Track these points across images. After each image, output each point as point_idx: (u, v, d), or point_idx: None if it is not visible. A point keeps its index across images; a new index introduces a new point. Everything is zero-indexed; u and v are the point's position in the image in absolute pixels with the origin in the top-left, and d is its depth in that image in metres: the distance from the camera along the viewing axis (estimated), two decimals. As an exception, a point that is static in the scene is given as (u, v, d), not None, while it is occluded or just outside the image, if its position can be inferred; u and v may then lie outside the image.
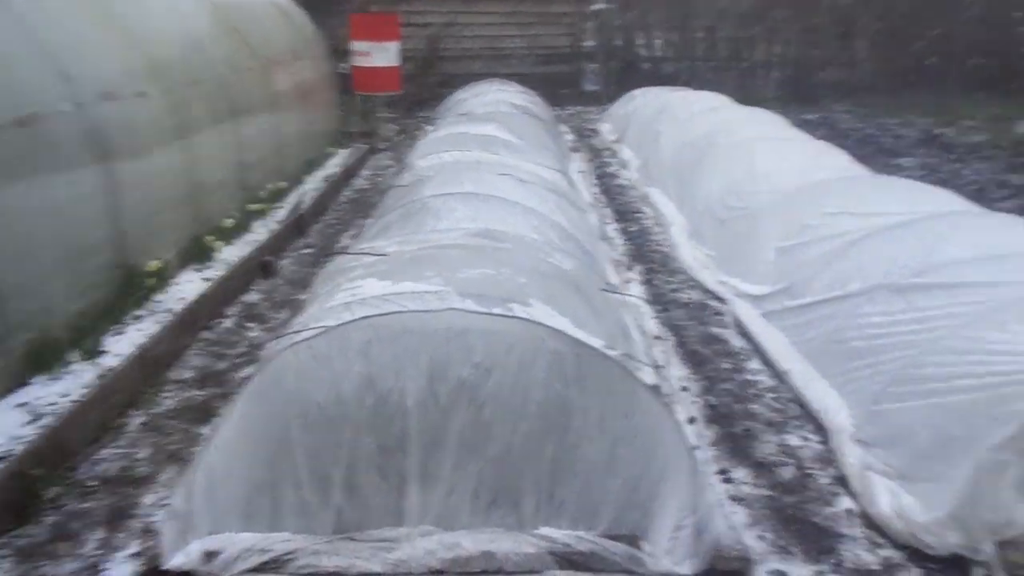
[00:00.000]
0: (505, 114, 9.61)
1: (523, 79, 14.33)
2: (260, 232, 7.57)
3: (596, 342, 3.27)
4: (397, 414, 3.01)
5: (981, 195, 8.86)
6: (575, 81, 16.78)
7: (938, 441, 3.34)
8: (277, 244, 7.19)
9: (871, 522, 3.34)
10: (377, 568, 2.93)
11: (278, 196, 8.57)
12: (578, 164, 10.59)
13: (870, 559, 3.14)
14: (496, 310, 3.18)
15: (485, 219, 4.79)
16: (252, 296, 6.13)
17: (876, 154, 11.07)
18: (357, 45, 11.99)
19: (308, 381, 3.01)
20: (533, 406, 3.03)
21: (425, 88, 15.44)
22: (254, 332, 5.48)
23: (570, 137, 12.71)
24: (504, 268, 3.76)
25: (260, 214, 7.89)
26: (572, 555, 2.96)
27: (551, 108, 13.22)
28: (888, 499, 3.33)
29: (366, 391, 2.99)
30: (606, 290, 4.52)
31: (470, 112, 10.21)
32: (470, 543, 2.95)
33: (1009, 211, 8.05)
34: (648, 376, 4.29)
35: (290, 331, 3.35)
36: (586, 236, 6.01)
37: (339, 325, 3.09)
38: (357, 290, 3.53)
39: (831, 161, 7.16)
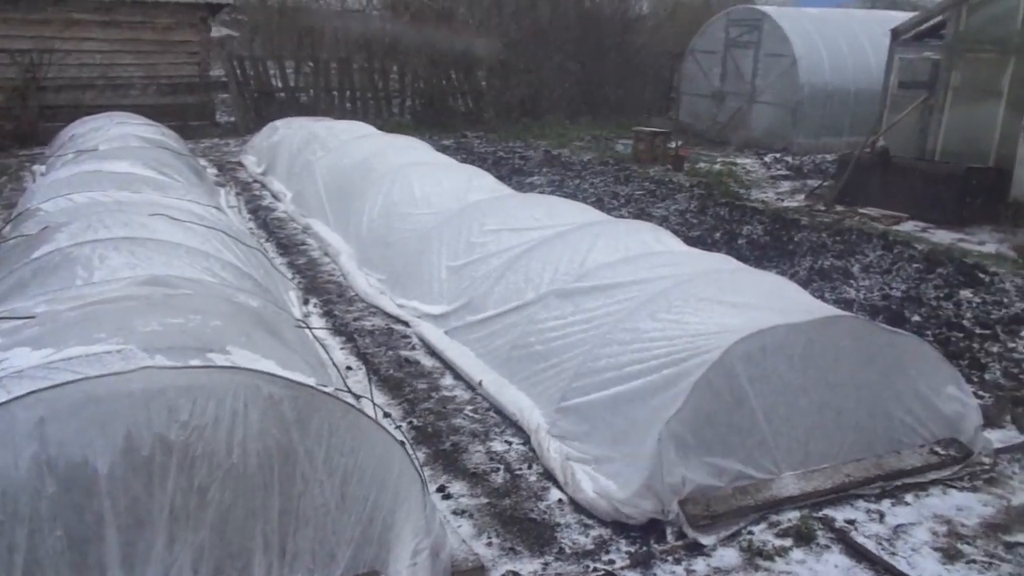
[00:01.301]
0: (138, 149, 8.74)
1: (147, 111, 13.16)
2: None
3: (309, 380, 3.13)
4: (87, 498, 2.58)
5: (600, 204, 10.23)
6: (207, 113, 15.86)
7: (621, 425, 3.77)
8: None
9: (580, 507, 3.66)
10: None
11: None
12: (227, 199, 10.02)
13: (585, 540, 3.44)
14: (194, 362, 2.88)
15: (147, 266, 4.31)
16: None
17: (511, 174, 12.18)
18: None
19: (-38, 481, 2.44)
20: (253, 459, 2.80)
21: (25, 122, 13.44)
22: None
23: (212, 171, 11.98)
24: (188, 316, 3.43)
25: None
26: (314, 609, 2.80)
27: (185, 141, 12.34)
28: (590, 484, 3.68)
29: (44, 478, 2.51)
30: (298, 326, 4.35)
31: (93, 148, 9.10)
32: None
33: (623, 216, 9.42)
34: (368, 407, 4.25)
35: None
36: (260, 272, 5.72)
37: (-4, 406, 2.55)
38: (4, 363, 2.95)
39: (481, 182, 7.71)
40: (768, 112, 15.81)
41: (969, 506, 3.72)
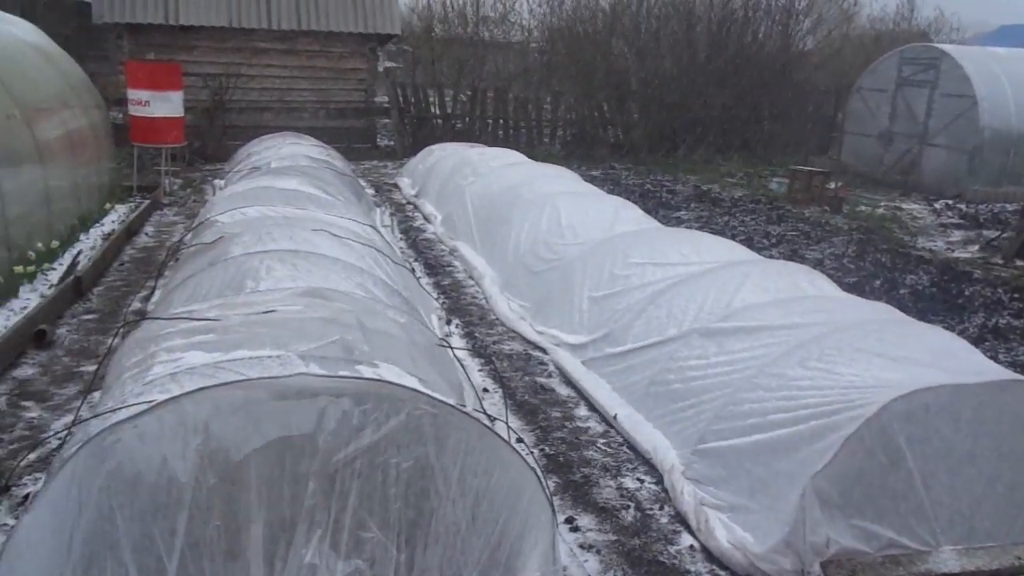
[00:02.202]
0: (307, 168, 9.35)
1: (316, 133, 14.09)
2: (30, 297, 6.72)
3: (449, 400, 3.20)
4: (242, 492, 2.74)
5: (750, 243, 9.91)
6: (370, 136, 16.75)
7: (762, 474, 3.60)
8: (51, 310, 6.39)
9: (712, 556, 3.52)
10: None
11: (49, 256, 7.67)
12: (382, 218, 10.50)
13: (716, 591, 3.30)
14: (344, 372, 3.02)
15: (307, 278, 4.58)
16: (26, 370, 5.38)
17: (657, 207, 12.05)
18: (135, 94, 11.14)
19: (135, 463, 2.66)
20: (392, 471, 2.89)
21: (210, 140, 14.69)
22: (33, 412, 4.79)
23: (370, 191, 12.60)
24: (344, 328, 3.60)
25: (28, 277, 7.00)
26: (453, 626, 2.83)
27: (348, 162, 13.08)
28: (725, 533, 3.53)
29: (206, 470, 2.70)
30: (440, 345, 4.46)
31: (266, 166, 9.83)
32: (330, 628, 2.73)
33: (774, 257, 9.08)
34: (503, 430, 4.31)
35: (105, 409, 2.96)
36: (408, 291, 5.94)
37: (169, 399, 2.77)
38: (180, 360, 3.21)
39: (628, 214, 7.66)
40: (941, 156, 14.82)
41: None
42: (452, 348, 4.83)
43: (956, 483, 3.47)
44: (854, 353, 3.93)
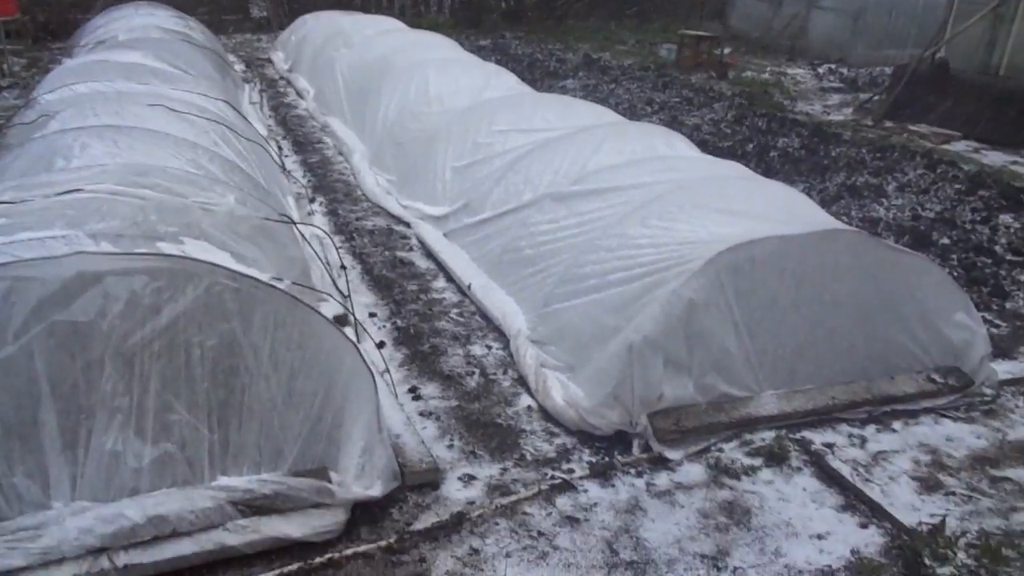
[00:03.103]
0: (156, 40, 8.58)
1: (178, 3, 12.94)
2: None
3: (260, 275, 3.04)
4: (22, 382, 2.56)
5: (632, 111, 9.82)
6: (241, 6, 15.54)
7: (597, 332, 3.62)
8: None
9: (548, 415, 3.57)
10: (20, 562, 2.51)
11: None
12: (250, 95, 9.87)
13: (548, 448, 3.36)
14: (140, 250, 2.80)
15: (128, 155, 4.22)
16: None
17: (544, 77, 11.75)
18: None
19: None
20: (195, 350, 2.75)
21: (55, 14, 13.33)
22: None
23: (241, 67, 11.80)
24: (151, 205, 3.34)
25: None
26: (255, 500, 2.79)
27: (216, 36, 12.14)
28: (560, 392, 3.57)
29: (-22, 359, 2.49)
30: (281, 222, 4.24)
31: (112, 39, 8.98)
32: (135, 511, 2.64)
33: (654, 123, 9.02)
34: (330, 306, 4.18)
35: None
36: (260, 169, 5.61)
37: (-72, 285, 2.51)
38: (-40, 244, 2.91)
39: (500, 81, 7.38)
40: (828, 20, 14.85)
41: (960, 437, 3.52)
42: (296, 224, 4.62)
43: (780, 332, 3.58)
44: (693, 209, 3.93)
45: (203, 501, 2.73)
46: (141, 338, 2.68)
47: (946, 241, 5.83)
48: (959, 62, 10.06)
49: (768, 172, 7.29)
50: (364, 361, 3.00)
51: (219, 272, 2.77)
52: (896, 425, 3.58)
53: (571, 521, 2.91)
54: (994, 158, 8.60)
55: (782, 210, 4.01)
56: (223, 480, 2.82)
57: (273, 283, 2.97)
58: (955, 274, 5.19)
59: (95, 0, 13.27)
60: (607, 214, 4.24)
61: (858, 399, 3.61)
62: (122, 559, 2.60)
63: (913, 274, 3.75)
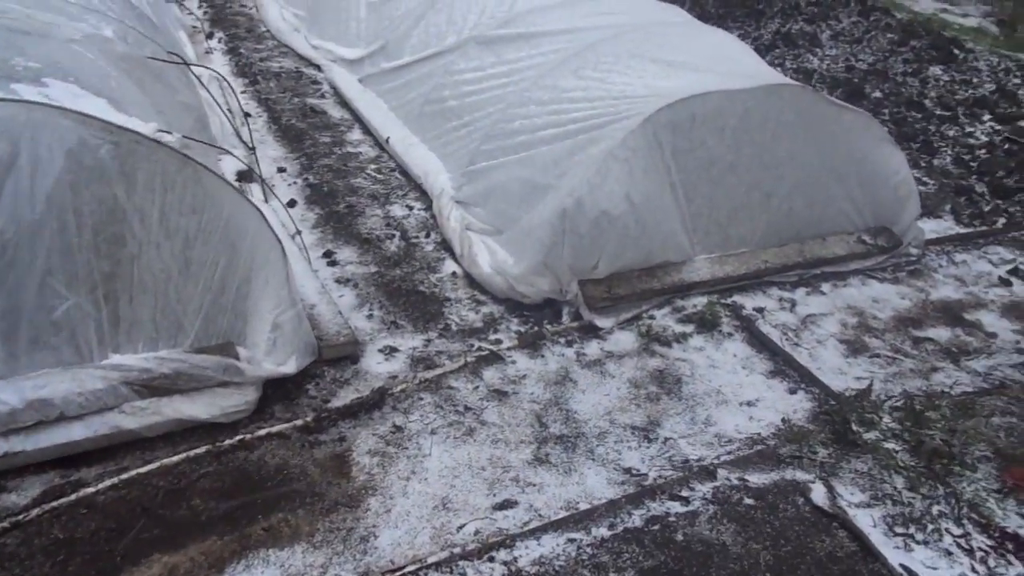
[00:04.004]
0: None
1: None
2: None
3: (144, 127, 2.64)
4: None
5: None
6: None
7: (526, 194, 3.38)
8: None
9: (473, 282, 3.37)
10: None
11: None
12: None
13: (474, 318, 3.19)
14: (-7, 95, 2.36)
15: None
16: None
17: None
18: None
19: None
20: (69, 216, 2.38)
21: None
22: None
23: None
24: (10, 40, 2.82)
25: None
26: (153, 380, 2.54)
27: None
28: (487, 258, 3.36)
29: None
30: (172, 62, 3.73)
31: None
32: (11, 395, 2.36)
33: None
34: (233, 160, 3.78)
35: None
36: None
37: None
38: None
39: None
40: None
41: (886, 298, 3.52)
42: (190, 64, 4.09)
43: (716, 194, 3.42)
44: (630, 60, 3.62)
45: (93, 382, 2.47)
46: (1, 202, 2.30)
47: (878, 95, 5.70)
48: (900, -98, 9.61)
49: (702, 17, 6.90)
50: (269, 225, 2.69)
51: (92, 123, 2.37)
52: (825, 287, 3.55)
53: (499, 394, 2.79)
54: (925, 4, 8.41)
55: (723, 61, 3.75)
56: (115, 359, 2.55)
57: (159, 137, 2.59)
58: (887, 128, 5.09)
59: None
60: (538, 62, 3.89)
61: (790, 262, 3.54)
62: (1, 446, 2.35)
63: (854, 132, 3.60)
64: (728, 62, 3.73)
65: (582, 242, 3.15)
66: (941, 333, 3.33)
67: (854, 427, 2.65)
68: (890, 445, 2.60)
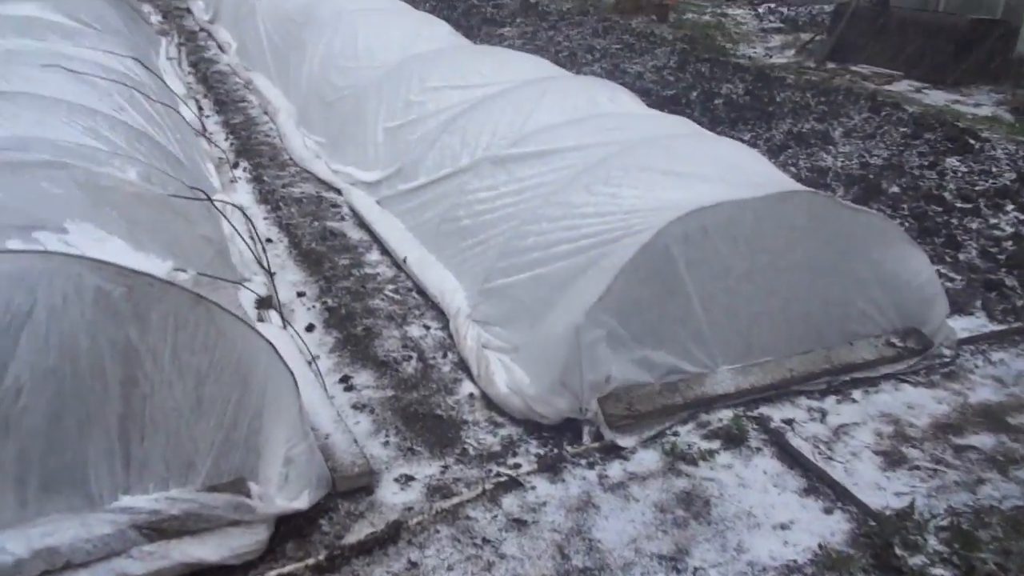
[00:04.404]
0: (56, -10, 7.85)
1: (87, -51, 11.97)
2: None
3: (161, 266, 2.69)
4: None
5: (573, 59, 9.46)
6: (156, -48, 14.50)
7: (541, 310, 3.36)
8: None
9: (491, 403, 3.31)
10: None
11: None
12: (167, 50, 9.19)
13: (492, 441, 3.11)
14: (12, 243, 2.42)
15: (11, 125, 3.75)
16: None
17: (481, 24, 11.26)
18: None
19: None
20: (83, 360, 2.39)
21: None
22: None
23: (156, 19, 11.01)
24: (34, 186, 2.93)
25: None
26: (163, 522, 2.48)
27: (128, -16, 11.28)
28: (504, 377, 3.31)
29: None
30: (193, 199, 3.84)
31: (11, -11, 8.20)
32: (18, 544, 2.31)
33: (596, 73, 8.70)
34: (253, 288, 3.84)
35: None
36: (173, 134, 5.15)
37: None
38: None
39: (433, 32, 6.94)
40: (767, -42, 14.54)
41: (921, 404, 3.38)
42: (212, 199, 4.21)
43: (734, 302, 3.37)
44: (640, 173, 3.66)
45: (101, 527, 2.42)
46: (13, 349, 2.32)
47: (896, 190, 5.69)
48: None
49: (714, 121, 7.06)
50: (281, 359, 2.68)
51: (107, 269, 2.41)
52: (856, 394, 3.43)
53: (518, 524, 2.67)
54: (936, 97, 8.54)
55: (733, 170, 3.77)
56: (125, 500, 2.50)
57: (174, 276, 2.63)
58: (907, 225, 5.07)
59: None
60: (549, 179, 3.95)
61: (817, 369, 3.44)
62: (6, 601, 2.29)
63: (870, 233, 3.56)
64: (737, 170, 3.76)
65: (598, 359, 3.09)
66: (984, 440, 3.18)
67: (897, 551, 2.49)
68: (938, 571, 2.43)
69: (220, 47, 9.69)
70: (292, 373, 2.70)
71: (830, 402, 3.37)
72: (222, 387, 2.60)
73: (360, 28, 6.86)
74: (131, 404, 2.49)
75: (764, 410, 3.29)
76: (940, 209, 5.38)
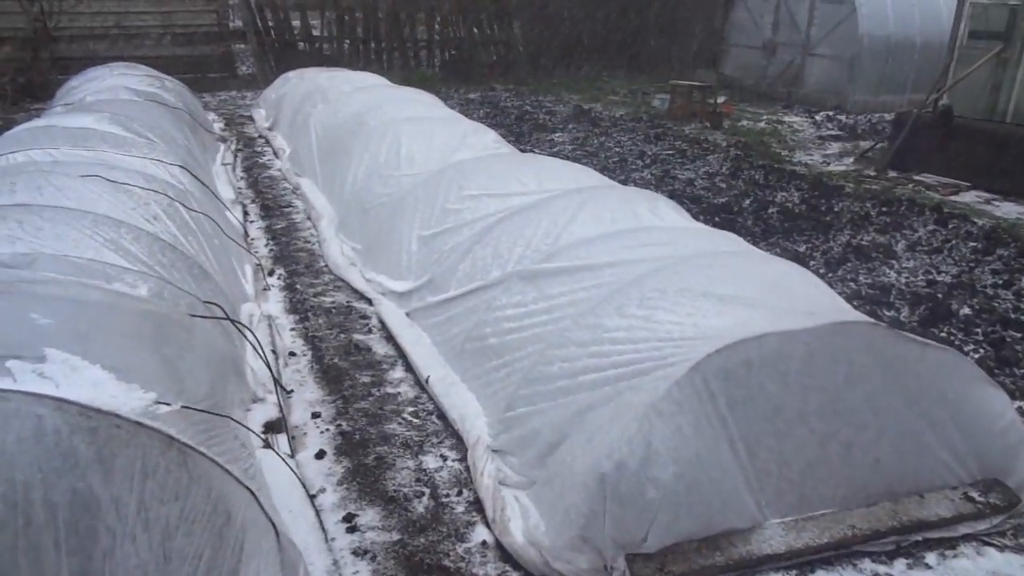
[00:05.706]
0: (117, 102, 8.15)
1: (163, 62, 12.66)
2: None
3: (140, 399, 2.47)
4: None
5: (623, 165, 9.34)
6: (227, 64, 15.27)
7: (563, 452, 3.02)
8: None
9: (506, 553, 2.94)
10: None
11: None
12: (224, 155, 9.43)
13: (502, 603, 2.73)
14: (-24, 376, 2.24)
15: (32, 241, 3.69)
16: None
17: (532, 130, 11.32)
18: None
19: None
20: (37, 511, 2.15)
21: (36, 75, 13.03)
22: None
23: (220, 125, 11.41)
24: (22, 309, 2.78)
25: None
26: None
27: (198, 94, 11.79)
28: (521, 524, 2.95)
29: None
30: (208, 317, 3.68)
31: (79, 102, 8.57)
32: None
33: (645, 179, 8.53)
34: (264, 409, 3.61)
35: None
36: (209, 242, 5.09)
37: None
38: None
39: (477, 140, 6.89)
40: (823, 66, 14.49)
41: (1010, 573, 2.88)
42: (232, 320, 4.05)
43: (785, 447, 2.97)
44: (678, 295, 3.36)
45: None
46: (-35, 497, 2.09)
47: (967, 311, 5.23)
48: (963, 108, 9.58)
49: (767, 231, 6.75)
50: (263, 508, 2.40)
51: (68, 410, 2.19)
52: (930, 559, 2.95)
53: None
54: (1007, 209, 8.07)
55: (782, 294, 3.44)
56: (75, 675, 2.20)
57: (153, 411, 2.39)
58: (982, 352, 4.60)
59: (76, 61, 12.99)
60: (581, 298, 3.68)
61: (882, 527, 2.98)
62: None
63: (942, 371, 3.15)
64: (788, 295, 3.42)
65: (626, 512, 2.72)
66: (1089, 622, 2.66)
67: None
68: None
69: (275, 153, 9.91)
70: (275, 526, 2.41)
71: (899, 567, 2.90)
72: (192, 541, 2.31)
73: (406, 137, 6.86)
74: (90, 560, 2.22)
75: (821, 575, 2.83)
76: (1019, 335, 4.89)
